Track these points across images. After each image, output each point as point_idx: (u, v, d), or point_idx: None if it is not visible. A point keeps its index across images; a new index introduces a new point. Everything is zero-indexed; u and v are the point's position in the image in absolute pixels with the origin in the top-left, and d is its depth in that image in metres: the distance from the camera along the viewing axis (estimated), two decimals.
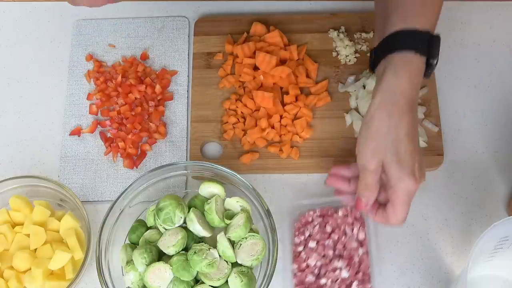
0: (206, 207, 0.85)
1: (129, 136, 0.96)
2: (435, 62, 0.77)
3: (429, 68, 0.77)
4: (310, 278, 0.86)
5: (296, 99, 0.97)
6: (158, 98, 0.99)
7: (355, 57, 1.00)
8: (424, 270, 0.89)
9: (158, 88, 0.99)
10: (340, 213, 0.88)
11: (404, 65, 0.75)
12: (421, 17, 0.77)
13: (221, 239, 0.83)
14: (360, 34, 1.02)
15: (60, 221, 0.89)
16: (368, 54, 1.00)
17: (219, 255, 0.83)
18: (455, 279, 0.88)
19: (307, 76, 0.99)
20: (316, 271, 0.86)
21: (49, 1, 1.07)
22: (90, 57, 1.03)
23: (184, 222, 0.86)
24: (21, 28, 1.06)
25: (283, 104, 0.97)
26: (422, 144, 0.93)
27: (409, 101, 0.75)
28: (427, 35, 0.76)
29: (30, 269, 0.86)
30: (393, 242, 0.90)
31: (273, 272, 0.81)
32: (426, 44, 0.76)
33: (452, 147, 0.95)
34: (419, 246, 0.90)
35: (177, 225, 0.85)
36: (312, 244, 0.87)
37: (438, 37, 0.77)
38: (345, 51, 1.00)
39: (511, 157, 0.95)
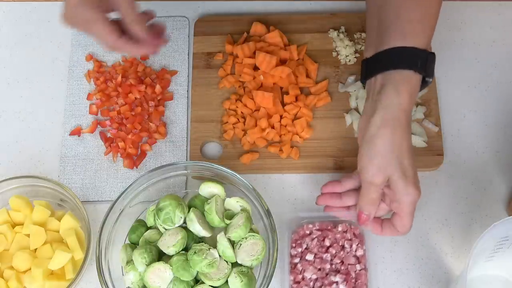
0: (206, 207, 0.85)
1: (129, 136, 0.96)
2: (430, 80, 0.79)
3: (424, 84, 0.79)
4: None
5: (296, 99, 0.97)
6: (158, 98, 0.99)
7: (355, 57, 1.00)
8: (424, 270, 0.89)
9: (158, 88, 0.99)
10: (340, 228, 0.88)
11: (405, 83, 0.76)
12: (420, 34, 0.78)
13: (221, 239, 0.83)
14: (360, 34, 1.02)
15: (60, 221, 0.89)
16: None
17: (219, 255, 0.83)
18: (455, 279, 0.88)
19: (307, 76, 0.99)
20: (311, 284, 0.86)
21: (49, 1, 1.07)
22: (90, 57, 1.03)
23: (184, 222, 0.86)
24: (21, 28, 1.06)
25: (283, 104, 0.97)
26: (422, 144, 0.93)
27: (407, 117, 0.77)
28: (425, 53, 0.78)
29: (30, 269, 0.86)
30: (392, 242, 0.90)
31: (273, 272, 0.81)
32: (425, 63, 0.77)
33: (452, 147, 0.95)
34: (419, 246, 0.90)
35: (177, 225, 0.85)
36: (309, 257, 0.87)
37: (433, 54, 0.79)
38: (345, 51, 1.00)
39: (511, 157, 0.95)
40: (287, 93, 0.97)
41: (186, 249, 0.84)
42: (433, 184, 0.93)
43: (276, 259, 0.81)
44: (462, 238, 0.90)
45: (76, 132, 0.98)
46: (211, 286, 0.83)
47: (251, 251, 0.83)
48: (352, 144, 0.94)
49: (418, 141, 0.93)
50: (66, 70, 1.03)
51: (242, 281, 0.81)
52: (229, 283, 0.82)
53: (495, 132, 0.96)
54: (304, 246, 0.88)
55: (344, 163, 0.93)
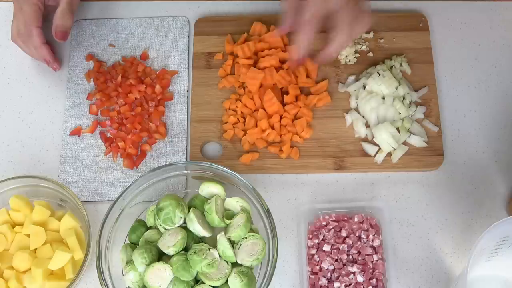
0: (206, 207, 0.85)
1: (129, 136, 0.96)
2: None
3: None
4: (323, 281, 0.86)
5: (296, 99, 0.97)
6: (158, 98, 0.99)
7: (355, 57, 1.00)
8: (424, 270, 0.89)
9: (158, 88, 0.99)
10: (356, 219, 0.89)
11: None
12: None
13: (221, 239, 0.83)
14: (360, 34, 1.01)
15: (60, 221, 0.89)
16: (368, 54, 1.00)
17: (219, 255, 0.83)
18: (455, 279, 0.88)
19: (307, 76, 0.99)
20: (329, 274, 0.86)
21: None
22: (90, 57, 1.03)
23: (184, 222, 0.86)
24: None
25: (283, 104, 0.97)
26: (422, 144, 0.93)
27: None
28: None
29: (30, 269, 0.86)
30: (392, 242, 0.90)
31: (273, 272, 0.80)
32: None
33: (452, 147, 0.95)
34: (419, 246, 0.90)
35: (177, 225, 0.85)
36: (326, 247, 0.87)
37: None
38: (345, 51, 1.00)
39: (511, 157, 0.95)
40: (287, 93, 0.97)
41: (186, 249, 0.84)
42: (433, 184, 0.93)
43: (276, 259, 0.81)
44: (462, 238, 0.90)
45: (76, 132, 0.98)
46: (211, 286, 0.83)
47: (251, 251, 0.83)
48: (352, 144, 0.94)
49: (418, 141, 0.93)
50: (66, 70, 1.03)
51: (242, 281, 0.81)
52: (229, 283, 0.82)
53: (495, 132, 0.96)
54: (321, 237, 0.89)
55: (344, 163, 0.93)
